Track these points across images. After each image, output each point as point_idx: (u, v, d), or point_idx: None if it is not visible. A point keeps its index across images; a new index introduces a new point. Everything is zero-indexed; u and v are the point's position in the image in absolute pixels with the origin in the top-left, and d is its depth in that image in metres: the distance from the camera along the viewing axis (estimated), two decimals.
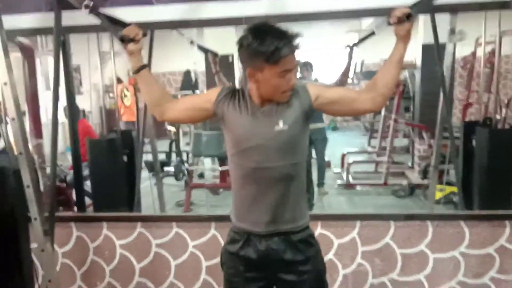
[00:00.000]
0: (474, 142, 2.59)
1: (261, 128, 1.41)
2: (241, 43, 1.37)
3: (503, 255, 2.16)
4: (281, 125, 1.40)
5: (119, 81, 7.16)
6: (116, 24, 1.76)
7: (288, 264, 1.47)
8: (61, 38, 2.18)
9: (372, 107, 1.48)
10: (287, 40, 1.32)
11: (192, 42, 2.72)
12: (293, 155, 1.44)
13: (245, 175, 1.46)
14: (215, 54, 3.28)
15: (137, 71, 1.50)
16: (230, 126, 1.46)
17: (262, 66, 1.34)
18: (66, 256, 2.41)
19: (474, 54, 7.22)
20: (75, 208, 2.93)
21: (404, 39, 1.44)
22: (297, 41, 1.35)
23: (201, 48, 2.87)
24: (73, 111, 2.56)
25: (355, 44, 3.62)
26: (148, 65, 1.53)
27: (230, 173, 1.53)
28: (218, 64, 3.34)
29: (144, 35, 1.51)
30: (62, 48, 2.26)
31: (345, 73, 3.87)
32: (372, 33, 2.43)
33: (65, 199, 3.36)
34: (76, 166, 2.56)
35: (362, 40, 3.05)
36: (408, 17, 1.40)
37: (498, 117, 3.99)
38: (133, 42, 1.48)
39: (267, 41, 1.31)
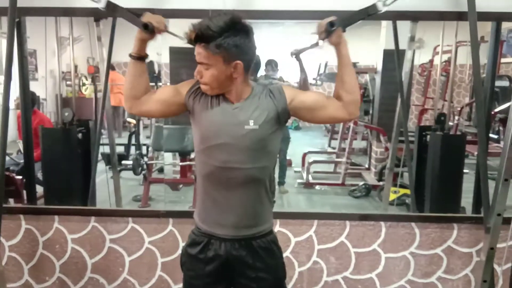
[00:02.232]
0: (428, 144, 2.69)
1: (230, 126, 1.37)
2: None
3: (450, 256, 2.26)
4: (251, 124, 1.36)
5: (112, 68, 6.95)
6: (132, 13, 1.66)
7: (248, 270, 1.45)
8: (16, 20, 2.06)
9: (346, 115, 1.44)
10: (194, 27, 1.30)
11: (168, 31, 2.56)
12: (261, 157, 1.40)
13: (209, 174, 1.41)
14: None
15: (137, 58, 1.43)
16: (198, 121, 1.41)
17: None
18: (14, 249, 2.29)
19: (431, 62, 7.54)
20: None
21: (340, 45, 1.44)
22: (201, 32, 1.28)
23: (174, 35, 2.72)
24: (27, 98, 2.43)
25: (299, 52, 3.72)
26: (147, 56, 1.47)
27: (196, 170, 1.48)
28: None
29: (166, 30, 1.46)
30: (17, 30, 2.14)
31: (303, 73, 4.07)
32: (316, 44, 2.49)
33: (15, 190, 3.19)
34: (28, 155, 2.44)
35: (305, 49, 3.14)
36: (332, 25, 1.42)
37: (451, 123, 4.19)
38: (154, 33, 1.42)
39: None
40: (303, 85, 4.15)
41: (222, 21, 1.28)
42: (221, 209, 1.42)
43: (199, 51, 1.32)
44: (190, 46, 1.38)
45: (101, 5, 1.61)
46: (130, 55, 1.44)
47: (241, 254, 1.43)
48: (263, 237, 1.46)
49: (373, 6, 1.57)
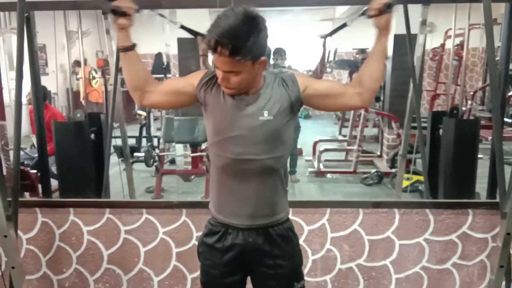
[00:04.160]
0: (441, 132, 2.66)
1: (244, 118, 1.34)
2: None
3: (465, 242, 2.24)
4: (266, 115, 1.34)
5: (84, 63, 6.98)
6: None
7: (265, 258, 1.45)
8: (25, 14, 2.07)
9: (360, 103, 1.43)
10: (214, 34, 1.21)
11: (182, 26, 2.51)
12: (277, 147, 1.38)
13: (224, 166, 1.40)
14: (203, 36, 3.18)
15: (124, 50, 1.40)
16: (211, 114, 1.39)
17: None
18: (31, 242, 2.33)
19: (443, 46, 7.42)
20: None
21: (385, 30, 1.40)
22: (229, 46, 1.19)
23: (187, 29, 2.68)
24: (38, 93, 2.45)
25: (327, 35, 3.66)
26: (135, 45, 1.42)
27: (209, 163, 1.47)
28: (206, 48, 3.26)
29: (137, 10, 1.40)
30: (27, 25, 2.15)
31: (322, 62, 3.99)
32: (344, 25, 2.44)
33: (31, 184, 3.24)
34: (41, 149, 2.47)
35: (334, 31, 3.10)
36: (389, 7, 1.36)
37: (464, 108, 4.13)
38: (125, 16, 1.36)
39: (211, 30, 1.22)
40: (317, 72, 4.05)
41: (241, 24, 1.20)
42: (238, 200, 1.41)
43: (225, 61, 1.24)
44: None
45: None
46: (118, 48, 1.41)
47: (259, 242, 1.43)
48: (280, 224, 1.46)
49: None
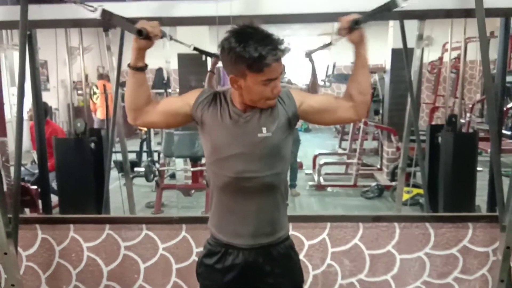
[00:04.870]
0: (439, 140, 2.66)
1: (243, 135, 1.34)
2: (222, 46, 1.26)
3: (465, 256, 2.23)
4: (264, 132, 1.34)
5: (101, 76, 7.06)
6: (127, 20, 1.64)
7: (266, 277, 1.44)
8: (27, 32, 2.10)
9: (355, 116, 1.44)
10: (272, 46, 1.23)
11: (195, 48, 2.51)
12: (276, 164, 1.38)
13: (224, 185, 1.38)
14: (216, 56, 3.23)
15: (135, 69, 1.36)
16: (209, 132, 1.38)
17: (245, 73, 1.25)
18: (31, 259, 2.32)
19: (441, 59, 7.48)
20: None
21: (360, 44, 1.42)
22: (283, 47, 1.25)
23: (200, 51, 2.73)
24: (39, 109, 2.48)
25: (312, 52, 3.73)
26: (147, 66, 1.41)
27: (209, 180, 1.46)
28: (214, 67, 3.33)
29: (162, 36, 1.41)
30: (29, 43, 2.18)
31: (314, 76, 4.08)
32: (329, 44, 2.50)
33: (31, 199, 3.24)
34: (42, 165, 2.48)
35: (318, 49, 3.23)
36: (357, 23, 1.38)
37: (462, 121, 4.14)
38: (149, 39, 1.35)
39: (250, 46, 1.21)
40: (312, 87, 4.15)
41: (266, 31, 1.26)
42: (238, 219, 1.40)
43: (279, 65, 1.28)
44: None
45: (97, 14, 1.61)
46: (129, 66, 1.38)
47: (259, 262, 1.42)
48: (281, 243, 1.45)
49: (393, 2, 1.51)
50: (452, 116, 2.70)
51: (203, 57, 4.04)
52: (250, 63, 1.23)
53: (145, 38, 1.34)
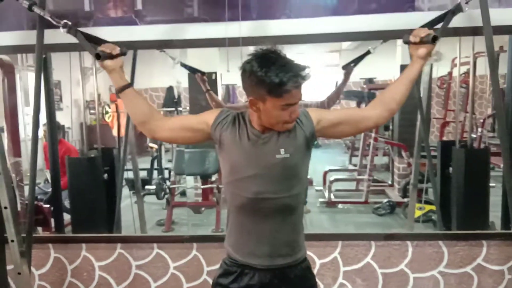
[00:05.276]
0: (450, 170, 2.63)
1: (261, 156, 1.35)
2: (244, 69, 1.29)
3: (480, 274, 2.19)
4: (282, 153, 1.34)
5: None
6: (94, 42, 1.70)
7: None
8: (43, 56, 2.16)
9: (374, 123, 1.46)
10: (293, 73, 1.25)
11: (179, 62, 2.65)
12: (294, 185, 1.38)
13: (242, 205, 1.39)
14: (202, 73, 3.24)
15: (121, 90, 1.44)
16: (227, 152, 1.39)
17: (265, 97, 1.27)
18: (43, 278, 2.34)
19: (450, 74, 7.45)
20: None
21: (423, 59, 1.45)
22: (304, 74, 1.27)
23: (187, 67, 2.81)
24: (53, 129, 2.53)
25: (350, 63, 3.40)
26: (131, 83, 1.48)
27: (227, 200, 1.46)
28: (207, 83, 3.28)
29: (123, 53, 1.46)
30: (44, 66, 2.24)
31: (338, 91, 3.70)
32: (368, 52, 2.51)
33: (44, 218, 3.27)
34: (55, 185, 2.52)
35: (358, 59, 3.05)
36: (434, 40, 1.41)
37: (474, 136, 4.11)
38: (111, 58, 1.42)
39: (272, 71, 1.23)
40: (331, 99, 3.75)
41: (288, 58, 1.29)
42: (256, 239, 1.40)
43: (299, 91, 1.29)
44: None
45: (64, 30, 1.65)
46: (116, 91, 1.45)
47: (275, 283, 1.41)
48: (298, 264, 1.44)
49: (458, 6, 1.64)
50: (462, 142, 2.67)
51: (213, 76, 4.09)
52: (271, 88, 1.24)
53: (108, 58, 1.43)
